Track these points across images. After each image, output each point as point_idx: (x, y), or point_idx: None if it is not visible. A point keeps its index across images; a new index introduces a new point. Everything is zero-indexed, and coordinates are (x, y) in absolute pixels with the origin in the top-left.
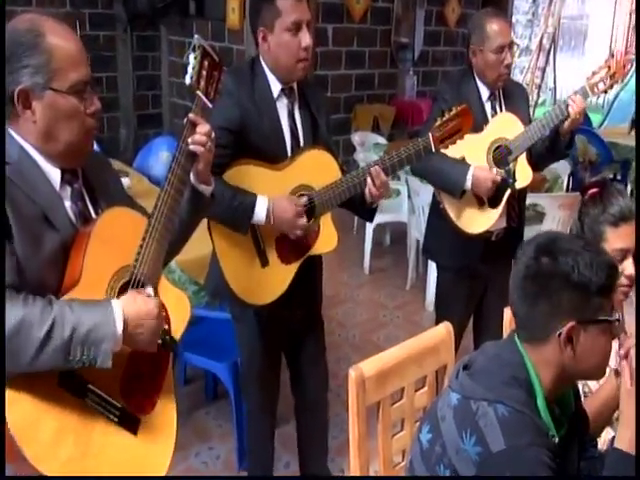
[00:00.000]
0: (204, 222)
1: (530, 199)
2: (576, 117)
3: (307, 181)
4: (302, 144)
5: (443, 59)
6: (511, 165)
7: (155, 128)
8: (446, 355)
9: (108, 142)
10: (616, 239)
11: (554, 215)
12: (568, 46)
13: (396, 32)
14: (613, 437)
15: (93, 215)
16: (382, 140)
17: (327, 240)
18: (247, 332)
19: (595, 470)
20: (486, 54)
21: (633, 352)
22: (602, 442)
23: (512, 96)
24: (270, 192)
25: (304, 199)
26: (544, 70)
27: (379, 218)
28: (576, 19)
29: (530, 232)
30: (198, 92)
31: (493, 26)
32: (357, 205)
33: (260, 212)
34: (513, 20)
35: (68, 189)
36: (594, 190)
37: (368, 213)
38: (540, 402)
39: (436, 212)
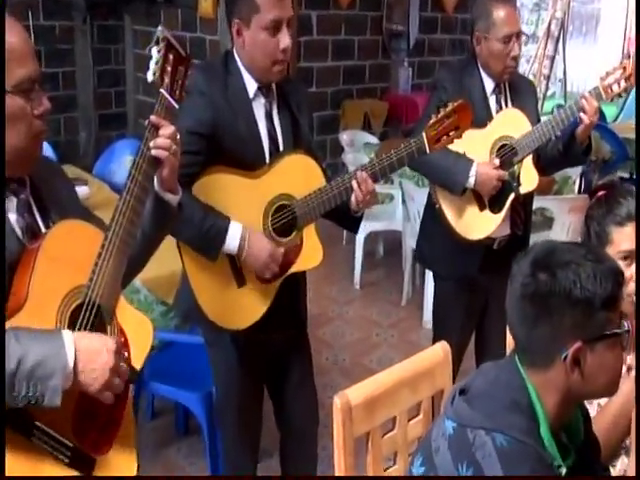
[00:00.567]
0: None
1: (537, 203)
2: (591, 121)
3: (287, 190)
4: (282, 148)
5: (441, 48)
6: (515, 167)
7: (118, 129)
8: (443, 379)
9: (65, 146)
10: (621, 239)
11: (564, 220)
12: (579, 32)
13: (388, 19)
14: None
15: (42, 229)
16: (373, 139)
17: (311, 254)
18: (223, 358)
19: None
20: (491, 42)
21: None
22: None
23: (519, 91)
24: (246, 204)
25: (286, 240)
26: (553, 59)
27: (371, 226)
28: (587, 2)
29: (538, 240)
30: (162, 90)
31: (500, 12)
32: (340, 214)
33: (232, 242)
34: (518, 4)
35: (14, 200)
36: (601, 193)
37: (353, 223)
38: (544, 429)
39: (431, 214)
